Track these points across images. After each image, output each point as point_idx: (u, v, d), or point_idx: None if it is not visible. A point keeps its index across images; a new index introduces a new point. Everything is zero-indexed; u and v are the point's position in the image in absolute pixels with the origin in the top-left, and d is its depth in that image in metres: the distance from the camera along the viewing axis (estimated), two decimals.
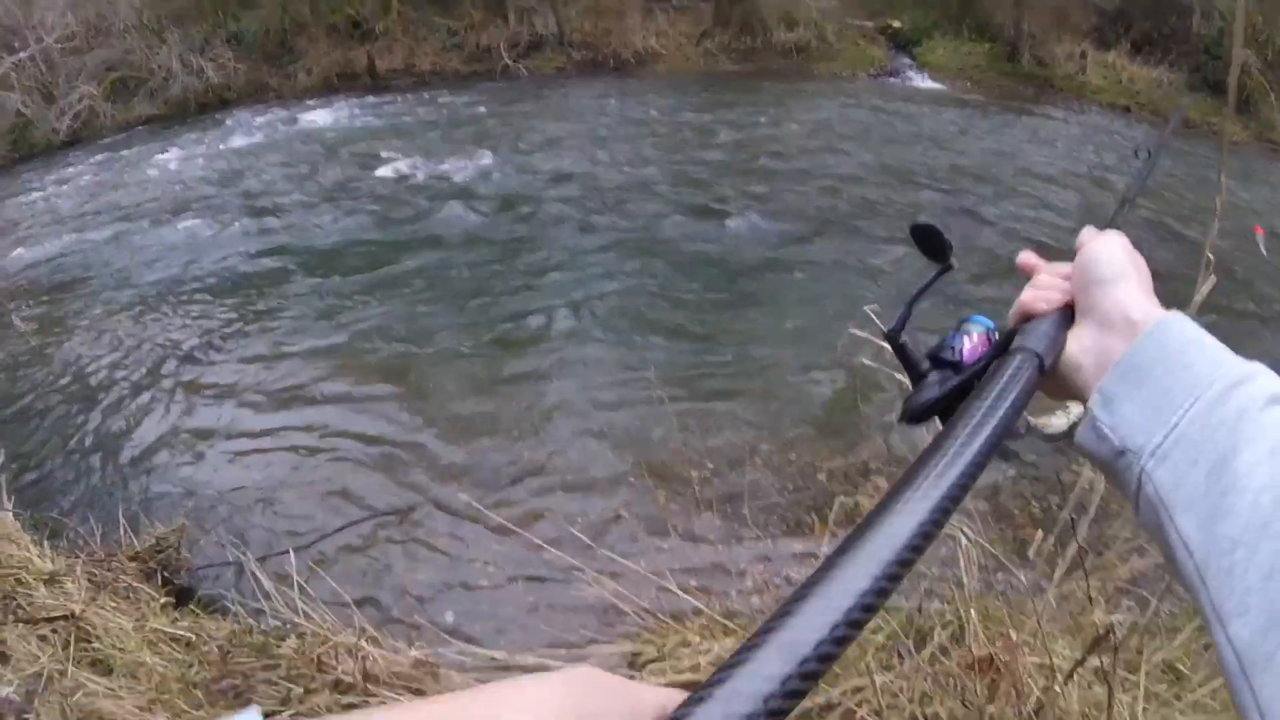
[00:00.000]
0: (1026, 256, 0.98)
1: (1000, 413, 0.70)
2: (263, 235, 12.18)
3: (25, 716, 3.03)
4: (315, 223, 12.30)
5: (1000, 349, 0.87)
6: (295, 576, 3.76)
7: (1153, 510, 0.68)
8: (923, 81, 20.66)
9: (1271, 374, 0.69)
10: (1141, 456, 0.70)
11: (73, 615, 3.68)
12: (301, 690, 3.04)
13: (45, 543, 4.73)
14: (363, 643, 3.19)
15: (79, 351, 9.25)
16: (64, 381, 8.63)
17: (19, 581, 4.03)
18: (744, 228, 10.85)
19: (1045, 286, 0.90)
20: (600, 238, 10.76)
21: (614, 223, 11.12)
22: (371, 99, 20.52)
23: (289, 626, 3.54)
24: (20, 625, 3.65)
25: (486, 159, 14.12)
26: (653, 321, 8.66)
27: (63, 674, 3.30)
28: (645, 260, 9.99)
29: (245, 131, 18.68)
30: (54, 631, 3.60)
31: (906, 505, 0.60)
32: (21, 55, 20.85)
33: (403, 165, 14.29)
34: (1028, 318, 0.88)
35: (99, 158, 16.85)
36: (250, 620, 3.92)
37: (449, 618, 4.89)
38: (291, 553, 4.45)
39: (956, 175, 12.63)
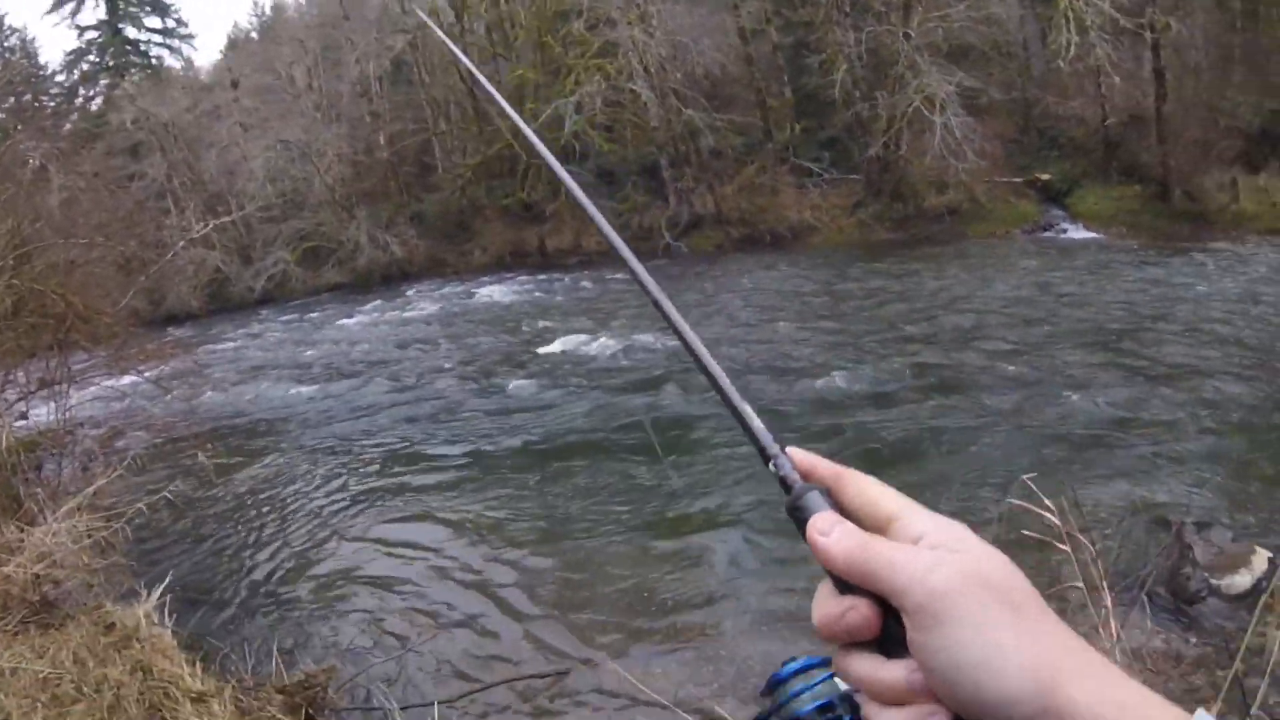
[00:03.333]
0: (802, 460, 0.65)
1: None
2: (432, 401, 12.28)
3: None
4: (482, 393, 12.34)
5: None
6: None
7: None
8: (1077, 232, 20.01)
9: None
10: None
11: None
12: None
13: (198, 663, 4.69)
14: None
15: (252, 491, 9.45)
16: (235, 517, 8.77)
17: (167, 695, 4.06)
18: (902, 390, 10.22)
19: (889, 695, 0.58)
20: (759, 406, 10.27)
21: (777, 394, 10.69)
22: (541, 276, 21.11)
23: None
24: None
25: (648, 334, 14.06)
26: None
27: None
28: (801, 424, 9.47)
29: (424, 303, 19.28)
30: None
31: None
32: (225, 219, 22.52)
33: (569, 340, 14.37)
34: None
35: (287, 317, 17.58)
36: None
37: None
38: (436, 706, 4.32)
39: (1120, 332, 11.57)
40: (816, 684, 0.66)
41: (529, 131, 0.94)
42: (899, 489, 0.60)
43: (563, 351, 13.89)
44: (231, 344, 15.58)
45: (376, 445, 10.59)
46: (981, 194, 21.34)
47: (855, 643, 0.58)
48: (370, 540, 7.93)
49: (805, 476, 0.63)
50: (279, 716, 4.23)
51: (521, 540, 7.58)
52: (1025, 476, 3.73)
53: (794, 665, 0.69)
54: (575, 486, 8.77)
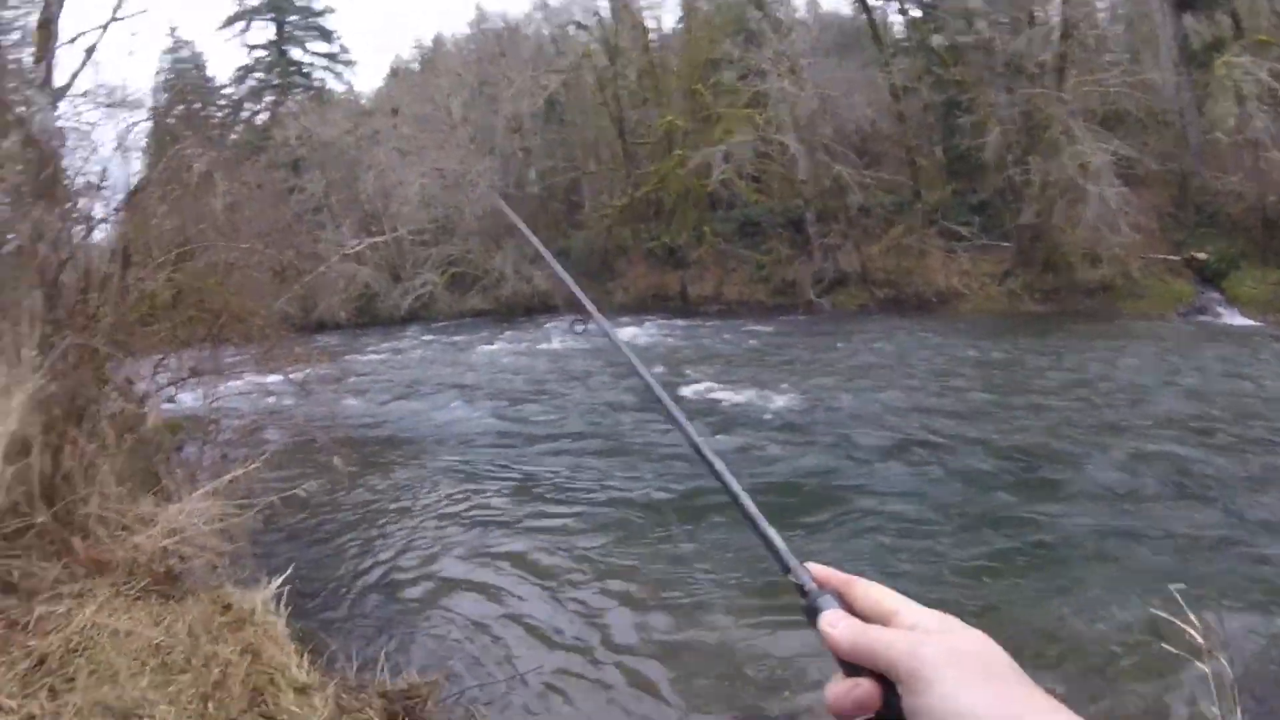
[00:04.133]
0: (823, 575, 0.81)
1: None
2: (564, 436, 12.10)
3: None
4: (614, 433, 11.99)
5: None
6: None
7: None
8: (1233, 318, 18.38)
9: None
10: None
11: None
12: None
13: (305, 655, 4.72)
14: None
15: (380, 500, 9.61)
16: (360, 522, 8.89)
17: (272, 682, 4.12)
18: (1047, 475, 9.20)
19: None
20: (892, 483, 9.42)
21: (917, 465, 9.88)
22: (680, 322, 20.80)
23: None
24: None
25: (789, 389, 13.50)
26: (939, 561, 7.21)
27: None
28: (936, 499, 8.62)
29: (563, 337, 19.26)
30: None
31: None
32: (378, 239, 23.08)
33: (706, 387, 13.95)
34: None
35: (431, 337, 17.85)
36: None
37: None
38: None
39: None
40: None
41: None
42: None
43: (698, 400, 13.39)
44: (375, 357, 15.84)
45: (506, 472, 10.45)
46: (1136, 270, 20.01)
47: (862, 717, 0.68)
48: (489, 564, 7.82)
49: (821, 585, 0.76)
50: None
51: (641, 590, 7.23)
52: (1172, 587, 3.69)
53: None
54: (705, 542, 8.27)
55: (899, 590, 0.73)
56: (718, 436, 11.31)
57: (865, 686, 0.67)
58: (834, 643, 0.70)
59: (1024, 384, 13.25)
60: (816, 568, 0.77)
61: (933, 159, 24.91)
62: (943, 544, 7.75)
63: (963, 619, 0.70)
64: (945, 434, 10.84)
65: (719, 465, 0.85)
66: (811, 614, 0.74)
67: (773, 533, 0.80)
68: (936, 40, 24.00)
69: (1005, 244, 22.12)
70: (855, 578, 0.75)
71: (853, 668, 0.69)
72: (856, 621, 0.71)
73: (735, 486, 0.84)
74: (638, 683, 5.79)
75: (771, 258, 24.07)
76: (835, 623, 0.71)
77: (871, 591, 0.74)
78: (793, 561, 0.77)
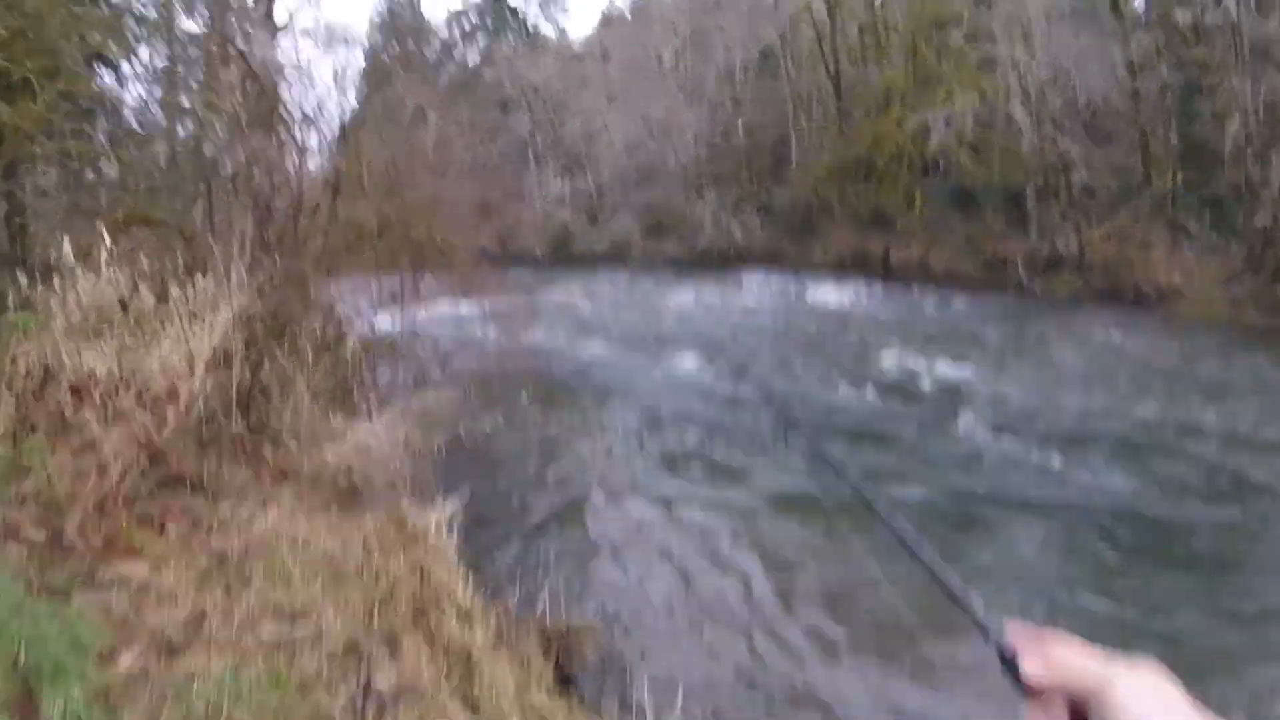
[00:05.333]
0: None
1: None
2: (749, 388, 11.90)
3: (387, 712, 3.10)
4: (808, 395, 11.66)
5: None
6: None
7: None
8: None
9: None
10: None
11: (469, 653, 3.77)
12: None
13: (470, 581, 4.81)
14: None
15: (562, 437, 9.61)
16: (540, 457, 8.88)
17: (437, 603, 4.23)
18: (1256, 523, 8.03)
19: None
20: (1091, 494, 8.55)
21: (1125, 477, 8.92)
22: (880, 287, 20.08)
23: None
24: (422, 638, 3.82)
25: (993, 375, 12.60)
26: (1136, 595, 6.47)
27: (434, 697, 3.32)
28: (1145, 518, 7.73)
29: (758, 292, 19.03)
30: (447, 657, 3.72)
31: None
32: (579, 183, 23.38)
33: (907, 362, 13.18)
34: None
35: (622, 280, 17.79)
36: None
37: None
38: (679, 713, 4.13)
39: None
40: None
41: None
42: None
43: (896, 372, 12.79)
44: (567, 297, 16.05)
45: (693, 427, 10.27)
46: None
47: None
48: (664, 519, 7.72)
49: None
50: (533, 655, 4.24)
51: (817, 562, 6.92)
52: None
53: None
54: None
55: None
56: (907, 408, 10.87)
57: (1057, 714, 0.72)
58: (1037, 680, 0.73)
59: (1254, 403, 11.74)
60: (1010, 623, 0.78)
61: (1166, 145, 22.66)
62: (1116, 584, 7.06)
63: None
64: (1164, 446, 9.83)
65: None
66: (1010, 670, 0.75)
67: (970, 597, 0.82)
68: (1180, 16, 21.77)
69: (1235, 246, 19.91)
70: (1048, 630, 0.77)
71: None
72: (1051, 647, 0.74)
73: (921, 545, 0.85)
74: (799, 674, 5.57)
75: (984, 231, 22.77)
76: (1033, 665, 0.74)
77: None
78: (992, 627, 0.77)
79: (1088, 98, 22.71)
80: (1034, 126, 21.94)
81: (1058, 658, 0.72)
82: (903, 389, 11.92)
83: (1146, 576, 6.90)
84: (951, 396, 11.50)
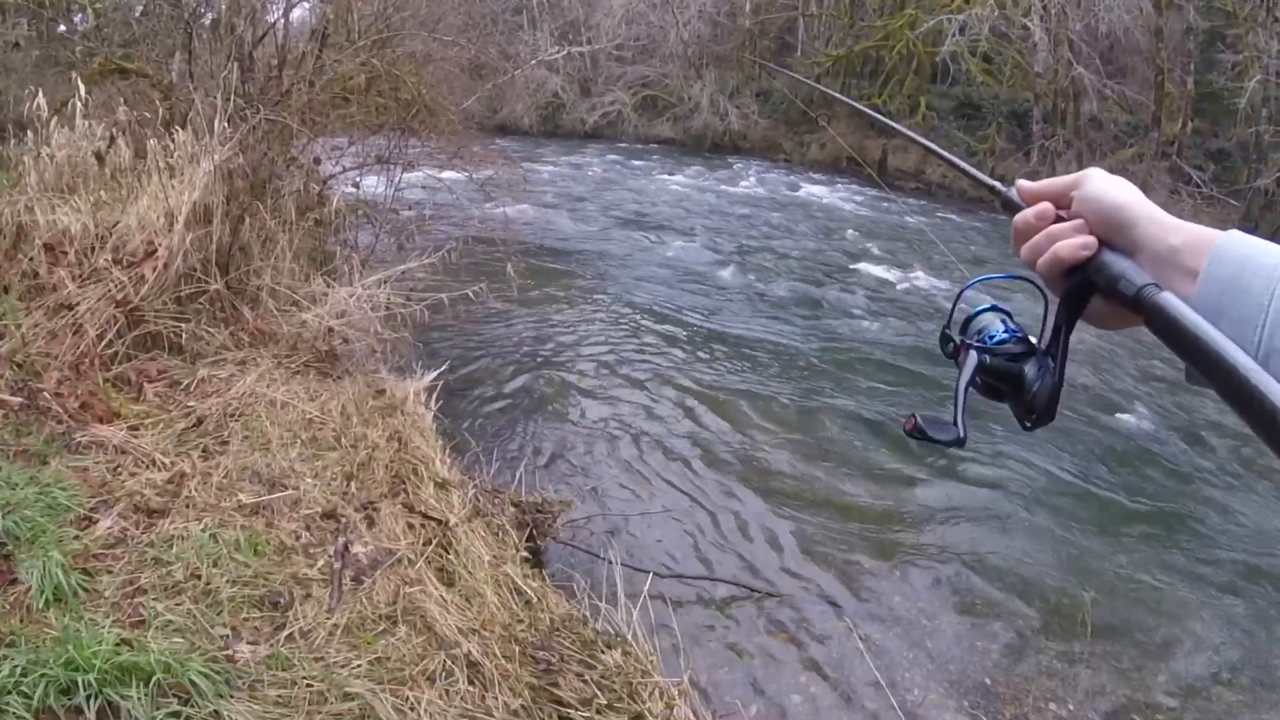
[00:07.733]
0: (1026, 185, 0.98)
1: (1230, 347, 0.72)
2: (737, 281, 11.95)
3: (364, 577, 3.21)
4: (789, 288, 11.76)
5: (1074, 309, 0.90)
6: (646, 599, 3.66)
7: None
8: None
9: None
10: None
11: (445, 523, 3.83)
12: (605, 702, 2.95)
13: (449, 452, 4.92)
14: (676, 693, 3.11)
15: (545, 314, 9.75)
16: (521, 333, 9.06)
17: (415, 472, 4.28)
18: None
19: (1062, 235, 0.90)
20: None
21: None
22: (872, 192, 19.87)
23: (618, 639, 3.43)
24: (399, 506, 3.89)
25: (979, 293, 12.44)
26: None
27: (411, 563, 3.41)
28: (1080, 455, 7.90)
29: (750, 181, 18.74)
30: (423, 526, 3.79)
31: None
32: (573, 50, 22.61)
33: (888, 272, 13.11)
34: (1066, 268, 0.89)
35: (613, 157, 17.61)
36: (585, 614, 3.69)
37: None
38: (651, 576, 4.27)
39: None
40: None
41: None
42: None
43: (880, 281, 12.75)
44: (555, 169, 15.85)
45: (677, 312, 10.37)
46: None
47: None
48: (644, 401, 7.83)
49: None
50: (506, 527, 4.28)
51: (791, 449, 7.16)
52: None
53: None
54: (855, 410, 8.05)
55: None
56: (890, 320, 10.93)
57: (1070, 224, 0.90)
58: (1024, 190, 0.97)
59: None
60: (1023, 184, 0.98)
61: (1182, 89, 22.15)
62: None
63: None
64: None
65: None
66: (1009, 207, 0.99)
67: (967, 166, 1.17)
68: None
69: (1234, 202, 19.80)
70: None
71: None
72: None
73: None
74: (760, 540, 5.86)
75: (986, 146, 22.43)
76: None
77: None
78: (997, 185, 1.04)
79: (1109, 27, 22.05)
80: (1050, 46, 21.40)
81: (1046, 181, 0.94)
82: (878, 294, 12.05)
83: None
84: (926, 306, 11.63)
